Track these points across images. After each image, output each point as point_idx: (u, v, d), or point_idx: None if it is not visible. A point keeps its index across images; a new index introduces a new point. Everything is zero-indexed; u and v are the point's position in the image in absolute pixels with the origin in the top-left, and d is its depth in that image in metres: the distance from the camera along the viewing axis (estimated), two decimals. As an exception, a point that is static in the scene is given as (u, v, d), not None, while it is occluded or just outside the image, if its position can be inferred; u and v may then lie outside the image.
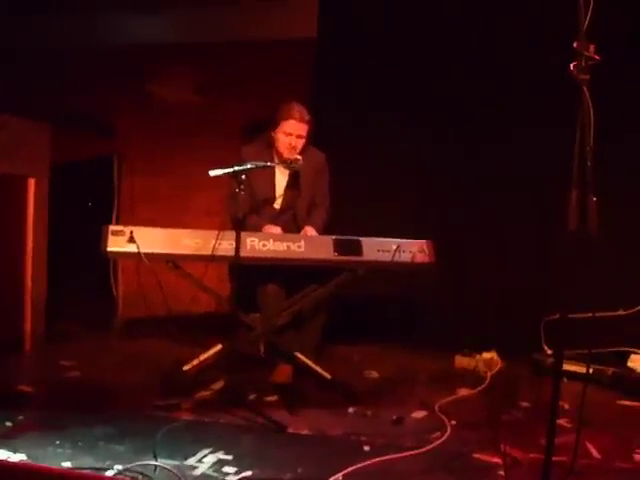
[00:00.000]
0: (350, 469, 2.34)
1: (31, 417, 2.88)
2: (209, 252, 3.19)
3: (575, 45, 2.06)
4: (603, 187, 2.09)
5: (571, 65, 2.07)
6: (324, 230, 3.72)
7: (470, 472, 2.45)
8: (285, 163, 3.64)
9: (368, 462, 2.42)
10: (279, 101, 3.74)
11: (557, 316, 2.19)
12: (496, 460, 2.49)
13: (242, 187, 3.20)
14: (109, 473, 2.28)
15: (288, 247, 3.31)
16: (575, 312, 2.23)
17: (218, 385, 3.36)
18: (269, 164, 3.57)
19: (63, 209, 4.43)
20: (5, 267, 4.05)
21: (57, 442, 2.56)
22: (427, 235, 3.58)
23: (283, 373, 3.54)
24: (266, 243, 3.29)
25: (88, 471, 2.29)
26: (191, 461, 2.43)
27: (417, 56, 4.59)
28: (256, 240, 3.28)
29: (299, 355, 3.46)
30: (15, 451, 2.43)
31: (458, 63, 4.52)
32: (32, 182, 4.13)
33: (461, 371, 4.02)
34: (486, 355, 4.03)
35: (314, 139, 3.78)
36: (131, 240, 3.09)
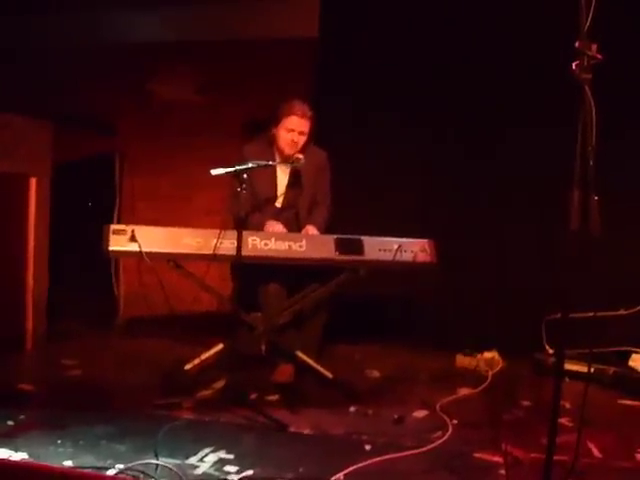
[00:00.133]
0: (351, 468, 2.34)
1: (32, 416, 2.88)
2: (210, 251, 3.18)
3: (577, 44, 2.06)
4: (604, 186, 2.09)
5: (573, 64, 2.07)
6: (325, 228, 3.72)
7: (471, 471, 2.46)
8: (287, 161, 3.64)
9: (369, 461, 2.42)
10: (280, 100, 3.74)
11: (558, 315, 2.19)
12: (497, 459, 2.49)
13: (244, 186, 3.20)
14: (110, 472, 2.28)
15: (289, 246, 3.31)
16: (576, 312, 2.24)
17: (219, 384, 3.36)
18: (270, 163, 3.57)
19: (64, 208, 4.43)
20: (6, 266, 4.04)
21: (58, 441, 2.56)
22: (428, 234, 3.58)
23: (284, 372, 3.54)
24: (268, 242, 3.29)
25: (89, 470, 2.29)
26: (192, 460, 2.43)
27: (418, 56, 4.59)
28: (258, 239, 3.28)
29: (300, 354, 3.46)
30: (16, 450, 2.44)
31: (458, 63, 4.51)
32: (33, 181, 4.13)
33: (462, 370, 4.01)
34: (487, 354, 4.03)
35: (315, 138, 3.78)
36: (132, 239, 3.09)
